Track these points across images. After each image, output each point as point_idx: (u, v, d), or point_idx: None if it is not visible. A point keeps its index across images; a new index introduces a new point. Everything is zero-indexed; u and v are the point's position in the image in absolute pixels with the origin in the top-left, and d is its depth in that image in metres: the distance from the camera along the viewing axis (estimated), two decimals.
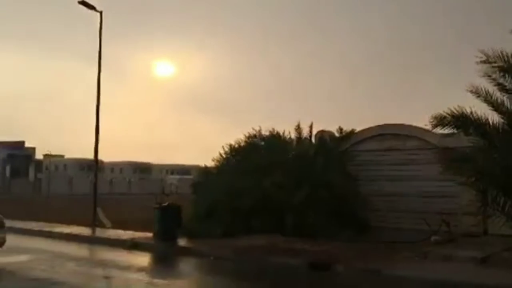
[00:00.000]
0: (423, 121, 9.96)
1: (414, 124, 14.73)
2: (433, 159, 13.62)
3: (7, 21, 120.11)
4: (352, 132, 16.04)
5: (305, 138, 16.26)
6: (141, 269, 10.86)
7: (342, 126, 16.15)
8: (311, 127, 16.07)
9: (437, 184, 13.81)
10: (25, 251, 13.16)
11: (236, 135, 16.79)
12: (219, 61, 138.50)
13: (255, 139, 16.53)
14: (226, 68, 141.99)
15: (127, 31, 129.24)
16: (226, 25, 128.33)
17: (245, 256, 11.98)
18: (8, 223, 14.68)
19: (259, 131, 16.42)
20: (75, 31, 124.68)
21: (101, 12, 19.95)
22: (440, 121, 9.07)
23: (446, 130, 9.27)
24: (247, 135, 16.50)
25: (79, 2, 19.44)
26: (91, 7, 19.74)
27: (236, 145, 16.63)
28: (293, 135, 16.30)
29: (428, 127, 9.47)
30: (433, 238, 12.90)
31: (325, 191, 14.00)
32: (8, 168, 73.32)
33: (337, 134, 16.18)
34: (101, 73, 19.90)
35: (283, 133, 16.27)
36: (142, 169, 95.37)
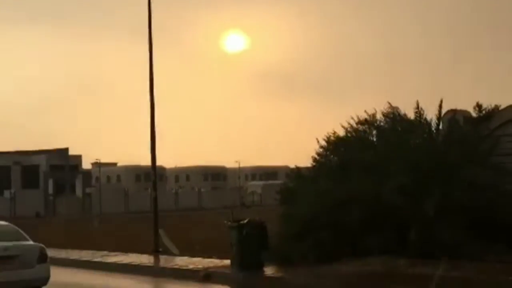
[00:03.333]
0: None
1: None
2: None
3: (40, 4, 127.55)
4: (496, 109, 15.23)
5: (430, 121, 15.64)
6: None
7: (481, 102, 15.37)
8: (440, 106, 15.37)
9: None
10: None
11: (336, 122, 16.36)
12: (304, 27, 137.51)
13: (364, 127, 16.13)
14: (313, 35, 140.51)
15: None
16: None
17: None
18: (52, 253, 15.47)
19: (373, 114, 15.91)
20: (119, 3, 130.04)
21: None
22: None
23: None
24: (352, 121, 16.09)
25: None
26: None
27: (338, 137, 16.33)
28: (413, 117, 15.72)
29: None
30: None
31: (464, 194, 13.41)
32: (51, 183, 77.53)
33: (474, 114, 15.43)
34: (156, 53, 20.56)
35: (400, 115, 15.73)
36: (215, 175, 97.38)
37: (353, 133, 16.25)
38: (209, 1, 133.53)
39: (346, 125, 16.19)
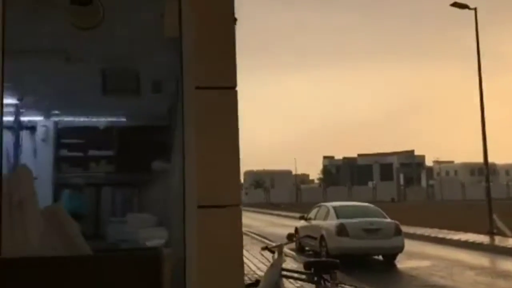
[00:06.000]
0: None
1: None
2: None
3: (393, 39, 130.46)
4: None
5: None
6: None
7: None
8: None
9: None
10: (423, 257, 13.49)
11: None
12: None
13: None
14: None
15: (504, 24, 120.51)
16: None
17: None
18: (405, 229, 15.47)
19: None
20: (447, 34, 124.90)
21: (475, 9, 19.36)
22: None
23: None
24: None
25: (451, 5, 19.27)
26: (463, 6, 19.30)
27: None
28: None
29: None
30: None
31: None
32: (401, 176, 78.20)
33: None
34: (482, 71, 19.16)
35: None
36: None
37: None
38: None
39: None
